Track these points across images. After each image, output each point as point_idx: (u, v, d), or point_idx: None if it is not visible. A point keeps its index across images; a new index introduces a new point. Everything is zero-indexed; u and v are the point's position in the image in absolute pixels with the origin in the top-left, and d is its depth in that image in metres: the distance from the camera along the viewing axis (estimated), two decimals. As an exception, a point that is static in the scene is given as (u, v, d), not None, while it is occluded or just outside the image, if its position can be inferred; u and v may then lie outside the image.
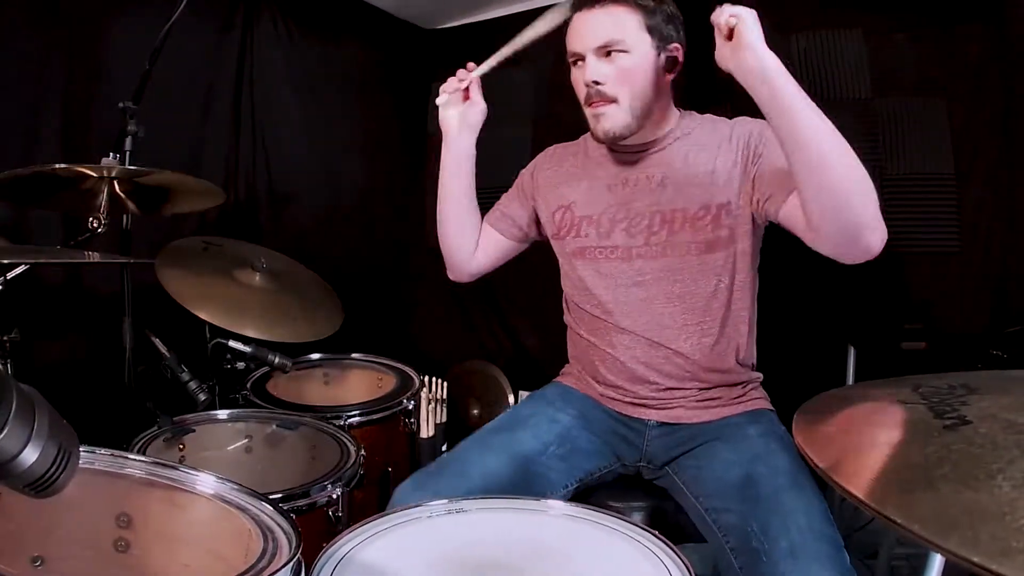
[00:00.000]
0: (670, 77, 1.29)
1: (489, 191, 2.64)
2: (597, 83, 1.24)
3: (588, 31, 1.24)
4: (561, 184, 1.43)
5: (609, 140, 1.29)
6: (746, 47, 1.00)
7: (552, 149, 1.52)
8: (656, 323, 1.30)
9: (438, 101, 1.39)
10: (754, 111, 1.08)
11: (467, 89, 1.38)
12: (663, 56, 1.26)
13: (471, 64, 1.38)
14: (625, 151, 1.35)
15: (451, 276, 1.58)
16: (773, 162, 1.19)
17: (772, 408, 1.36)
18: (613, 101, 1.25)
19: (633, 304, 1.32)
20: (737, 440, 1.23)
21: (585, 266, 1.37)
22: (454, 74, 1.39)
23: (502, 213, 1.54)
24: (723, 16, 1.02)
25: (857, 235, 1.04)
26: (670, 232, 1.28)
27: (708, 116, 1.37)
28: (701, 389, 1.32)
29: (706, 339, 1.29)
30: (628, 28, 1.22)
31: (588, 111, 1.29)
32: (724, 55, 1.04)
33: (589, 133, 1.36)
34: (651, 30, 1.23)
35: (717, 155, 1.27)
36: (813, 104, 1.01)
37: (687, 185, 1.28)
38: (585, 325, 1.40)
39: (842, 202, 1.02)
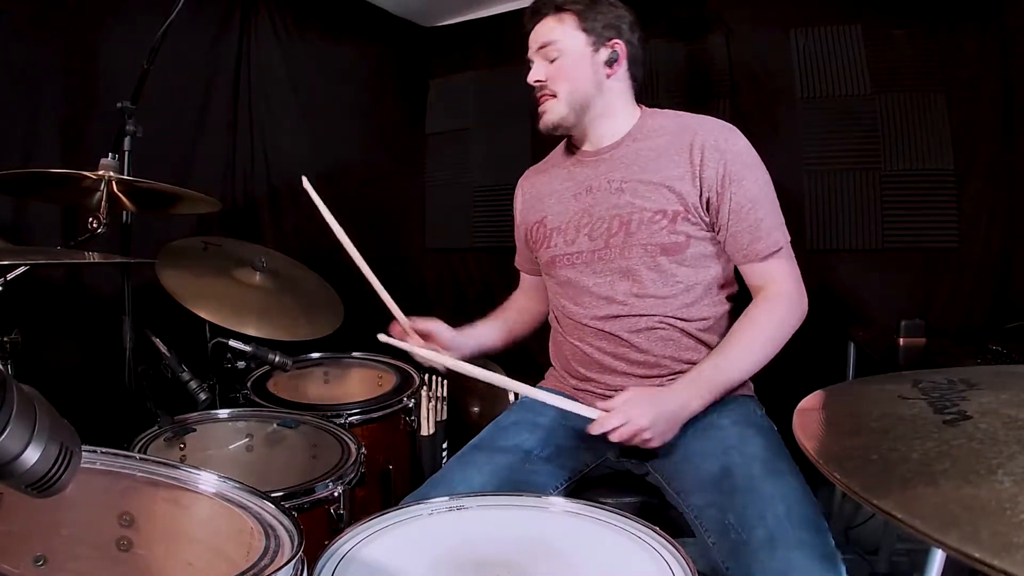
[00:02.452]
0: (611, 72, 1.35)
1: (490, 190, 2.65)
2: (539, 81, 1.36)
3: (532, 38, 1.38)
4: (535, 202, 1.49)
5: (549, 131, 1.39)
6: (660, 439, 1.16)
7: (526, 174, 1.59)
8: (620, 322, 1.32)
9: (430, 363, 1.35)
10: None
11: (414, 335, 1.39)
12: (602, 52, 1.34)
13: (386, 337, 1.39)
14: (586, 158, 1.41)
15: None
16: (738, 219, 1.26)
17: (750, 393, 1.36)
18: (553, 96, 1.35)
19: (596, 304, 1.34)
20: (709, 431, 1.23)
21: (556, 273, 1.41)
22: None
23: (523, 257, 1.61)
24: (619, 437, 1.13)
25: None
26: (627, 234, 1.31)
27: (672, 113, 1.39)
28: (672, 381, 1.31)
29: (668, 336, 1.31)
30: (563, 30, 1.34)
31: (539, 109, 1.39)
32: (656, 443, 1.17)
33: (558, 146, 1.47)
34: (586, 30, 1.34)
35: (676, 162, 1.29)
36: (734, 362, 1.23)
37: (644, 189, 1.31)
38: (560, 324, 1.45)
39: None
